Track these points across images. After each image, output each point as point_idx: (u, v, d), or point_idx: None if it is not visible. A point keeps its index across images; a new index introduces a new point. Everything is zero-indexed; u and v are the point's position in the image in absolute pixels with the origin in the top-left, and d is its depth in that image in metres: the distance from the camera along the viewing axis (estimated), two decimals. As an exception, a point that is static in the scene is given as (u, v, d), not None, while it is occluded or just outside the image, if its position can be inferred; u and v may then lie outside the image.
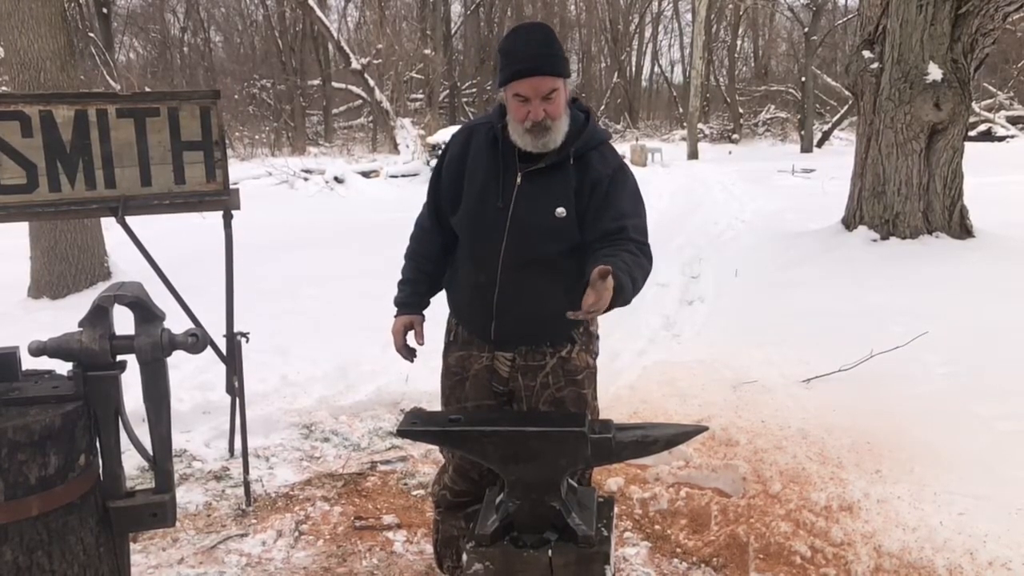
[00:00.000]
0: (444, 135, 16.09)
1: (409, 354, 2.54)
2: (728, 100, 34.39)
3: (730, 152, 27.59)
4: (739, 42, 37.90)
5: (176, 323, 2.27)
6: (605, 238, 2.16)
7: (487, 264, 2.29)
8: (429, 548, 2.95)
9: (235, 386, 3.40)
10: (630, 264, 2.05)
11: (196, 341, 2.08)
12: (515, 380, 2.37)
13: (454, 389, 2.47)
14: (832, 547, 2.93)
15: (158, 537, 3.12)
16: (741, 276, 6.98)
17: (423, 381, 4.45)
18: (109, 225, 4.91)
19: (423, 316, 2.54)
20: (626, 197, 2.24)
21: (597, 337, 2.48)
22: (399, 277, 2.56)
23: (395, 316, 2.53)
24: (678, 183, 15.98)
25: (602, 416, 2.44)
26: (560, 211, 2.21)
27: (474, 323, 2.40)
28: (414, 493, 3.53)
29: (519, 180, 2.24)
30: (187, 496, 3.47)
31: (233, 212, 3.23)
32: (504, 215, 2.24)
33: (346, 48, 21.84)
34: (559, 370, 2.35)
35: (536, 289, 2.26)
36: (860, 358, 4.41)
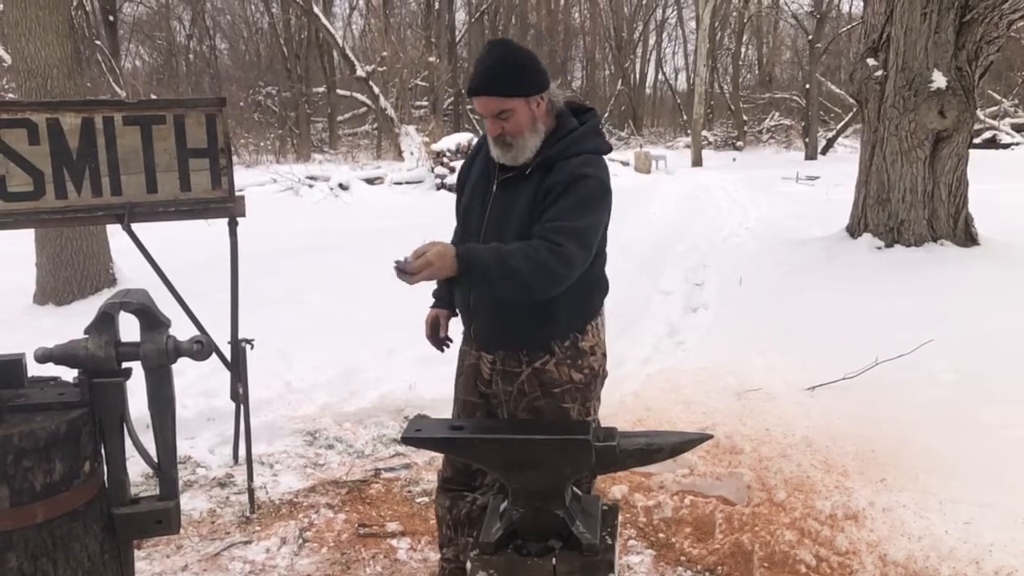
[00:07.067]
0: (448, 142, 16.14)
1: (438, 343, 2.64)
2: (732, 107, 34.43)
3: (734, 159, 27.58)
4: (743, 49, 37.98)
5: (181, 330, 2.27)
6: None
7: None
8: (433, 555, 2.94)
9: (239, 393, 3.40)
10: (512, 251, 2.01)
11: (201, 348, 2.09)
12: (496, 383, 2.40)
13: (455, 383, 2.56)
14: (837, 556, 2.92)
15: (162, 544, 3.12)
16: (745, 283, 6.97)
17: (427, 388, 4.46)
18: (114, 232, 4.91)
19: (450, 311, 2.63)
20: (568, 205, 2.14)
21: (591, 353, 2.36)
22: None
23: (430, 308, 2.65)
24: (682, 190, 15.93)
25: (606, 424, 2.43)
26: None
27: (464, 322, 2.49)
28: (418, 500, 3.53)
29: (495, 188, 2.31)
30: (191, 503, 3.47)
31: (238, 219, 3.24)
32: (481, 221, 2.32)
33: (351, 55, 21.94)
34: (535, 380, 2.33)
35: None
36: (865, 366, 4.40)
